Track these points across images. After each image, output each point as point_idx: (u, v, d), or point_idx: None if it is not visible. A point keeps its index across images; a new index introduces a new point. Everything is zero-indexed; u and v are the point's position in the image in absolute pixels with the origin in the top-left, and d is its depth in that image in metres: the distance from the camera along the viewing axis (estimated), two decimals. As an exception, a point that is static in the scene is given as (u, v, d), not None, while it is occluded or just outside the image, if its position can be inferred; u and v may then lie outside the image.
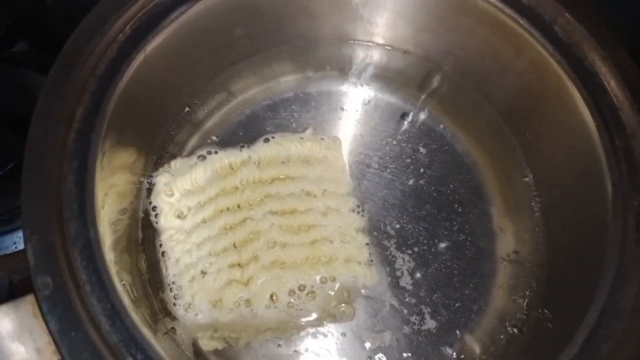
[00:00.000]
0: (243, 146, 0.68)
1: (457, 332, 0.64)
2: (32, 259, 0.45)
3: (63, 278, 0.45)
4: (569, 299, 0.58)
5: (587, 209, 0.59)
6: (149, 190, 0.66)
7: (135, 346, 0.45)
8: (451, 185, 0.69)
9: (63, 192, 0.48)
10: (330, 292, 0.64)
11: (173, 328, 0.61)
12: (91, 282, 0.46)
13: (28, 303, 0.44)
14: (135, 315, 0.47)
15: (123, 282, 0.51)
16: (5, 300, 0.44)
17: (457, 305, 0.65)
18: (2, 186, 0.72)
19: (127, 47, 0.55)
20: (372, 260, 0.66)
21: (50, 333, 0.43)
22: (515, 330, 0.63)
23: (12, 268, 0.73)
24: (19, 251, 0.74)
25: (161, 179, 0.65)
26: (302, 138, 0.69)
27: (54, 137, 0.50)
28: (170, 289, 0.62)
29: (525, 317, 0.63)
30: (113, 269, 0.49)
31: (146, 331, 0.47)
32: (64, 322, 0.44)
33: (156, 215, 0.65)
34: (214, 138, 0.71)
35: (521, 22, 0.61)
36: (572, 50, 0.59)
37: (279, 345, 0.62)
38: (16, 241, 0.74)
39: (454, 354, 0.63)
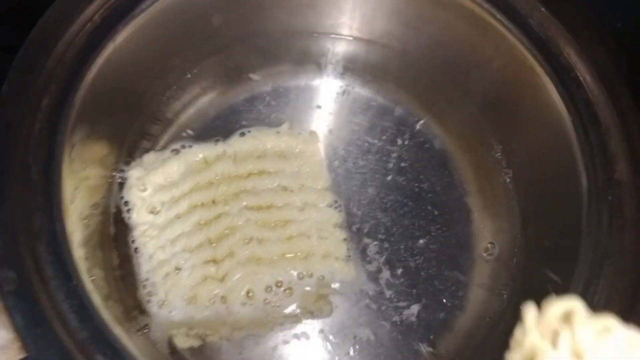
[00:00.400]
0: (218, 140, 0.67)
1: (435, 327, 0.63)
2: (-5, 252, 0.43)
3: (28, 273, 0.43)
4: (545, 293, 0.58)
5: (564, 202, 0.59)
6: (121, 185, 0.64)
7: (106, 343, 0.44)
8: (429, 181, 0.69)
9: (27, 183, 0.47)
10: (307, 288, 0.63)
11: (147, 325, 0.59)
12: (58, 277, 0.45)
13: (-9, 299, 0.42)
14: (107, 312, 0.45)
15: (93, 277, 0.50)
16: None
17: (435, 300, 0.64)
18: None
19: (96, 36, 0.53)
20: (349, 256, 0.65)
21: (16, 329, 0.41)
22: (494, 325, 0.63)
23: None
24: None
25: (134, 173, 0.63)
26: (278, 132, 0.68)
27: (18, 126, 0.48)
28: (144, 286, 0.61)
29: (502, 312, 0.63)
30: (83, 265, 0.47)
31: (118, 328, 0.45)
32: (30, 317, 0.42)
33: (128, 211, 0.63)
34: (189, 132, 0.69)
35: (498, 16, 0.60)
36: (548, 45, 0.59)
37: (257, 342, 0.62)
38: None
39: (432, 349, 0.62)
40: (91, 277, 0.49)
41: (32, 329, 0.42)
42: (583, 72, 0.58)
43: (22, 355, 0.42)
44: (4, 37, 0.69)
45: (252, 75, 0.72)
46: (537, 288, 0.61)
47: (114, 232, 0.63)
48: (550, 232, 0.62)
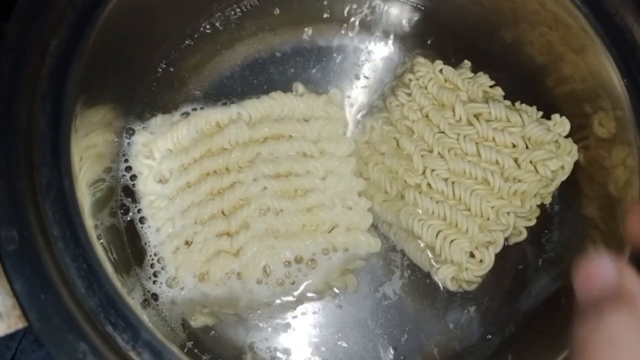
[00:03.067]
0: (232, 102, 0.62)
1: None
2: (-5, 208, 0.38)
3: (31, 232, 0.39)
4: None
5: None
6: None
7: (116, 312, 0.40)
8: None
9: (34, 135, 0.42)
10: (330, 263, 0.58)
11: (156, 300, 0.55)
12: (64, 237, 0.40)
13: (-11, 260, 0.37)
14: (117, 279, 0.41)
15: (102, 241, 0.45)
16: None
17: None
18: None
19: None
20: (376, 227, 0.61)
21: (16, 295, 0.37)
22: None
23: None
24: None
25: (139, 139, 0.59)
26: (297, 93, 0.63)
27: (23, 72, 0.43)
28: (152, 263, 0.56)
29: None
30: (91, 226, 0.42)
31: (129, 296, 0.41)
32: (32, 283, 0.38)
33: (134, 179, 0.59)
34: (198, 93, 0.64)
35: (546, -30, 0.56)
36: (601, 3, 0.55)
37: (275, 319, 0.58)
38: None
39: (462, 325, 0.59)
40: (99, 240, 0.44)
41: (34, 296, 0.38)
42: (640, 35, 0.53)
43: (22, 325, 0.38)
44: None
45: (269, 35, 0.67)
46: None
47: (122, 201, 0.59)
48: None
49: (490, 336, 0.60)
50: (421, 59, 0.62)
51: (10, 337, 0.64)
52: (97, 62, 0.49)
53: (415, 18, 0.69)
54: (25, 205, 0.40)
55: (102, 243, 0.46)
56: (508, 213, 0.58)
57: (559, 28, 0.58)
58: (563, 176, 0.59)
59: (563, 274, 0.59)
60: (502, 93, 0.62)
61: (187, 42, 0.65)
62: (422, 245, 0.59)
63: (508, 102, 0.61)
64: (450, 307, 0.61)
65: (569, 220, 0.62)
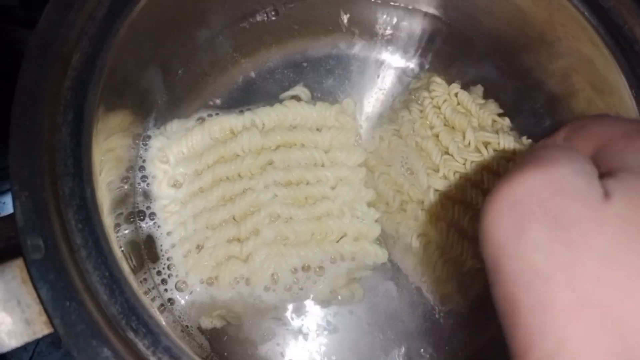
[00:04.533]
0: (248, 109, 0.63)
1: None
2: (21, 217, 0.39)
3: (56, 241, 0.40)
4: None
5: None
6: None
7: (137, 319, 0.40)
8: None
9: (56, 145, 0.43)
10: (337, 272, 0.59)
11: (171, 304, 0.56)
12: (87, 246, 0.41)
13: (16, 268, 0.39)
14: (137, 285, 0.42)
15: (122, 249, 0.46)
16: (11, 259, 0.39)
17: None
18: (-19, 150, 0.67)
19: (128, -10, 0.50)
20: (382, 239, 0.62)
21: (41, 302, 0.38)
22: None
23: (-7, 235, 0.69)
24: (2, 217, 0.69)
25: (155, 143, 0.60)
26: (310, 101, 0.64)
27: (47, 83, 0.44)
28: (163, 266, 0.57)
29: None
30: (112, 234, 0.44)
31: (148, 302, 0.42)
32: (57, 290, 0.39)
33: (148, 184, 0.60)
34: (216, 101, 0.66)
35: (555, -17, 0.56)
36: (610, 15, 0.55)
37: (283, 323, 0.59)
38: (-1, 207, 0.70)
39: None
40: (120, 247, 0.45)
41: (59, 303, 0.39)
42: (648, 45, 0.54)
43: (48, 331, 0.39)
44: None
45: (286, 44, 0.68)
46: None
47: (139, 204, 0.60)
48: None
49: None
50: (438, 79, 0.63)
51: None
52: (117, 72, 0.50)
53: (430, 31, 0.70)
54: (50, 214, 0.40)
55: (122, 250, 0.46)
56: None
57: (568, 39, 0.59)
58: None
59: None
60: (510, 124, 0.62)
61: (202, 52, 0.66)
62: (416, 260, 0.60)
63: (514, 133, 0.62)
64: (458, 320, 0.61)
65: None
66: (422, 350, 0.59)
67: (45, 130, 0.43)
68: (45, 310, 0.38)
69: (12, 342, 0.37)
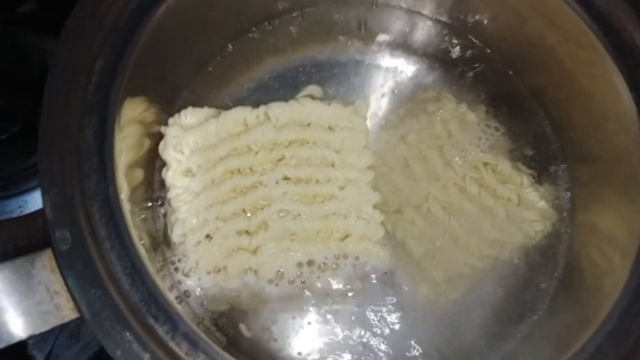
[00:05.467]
0: (261, 104, 0.64)
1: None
2: (50, 211, 0.43)
3: (82, 233, 0.43)
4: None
5: (619, 188, 0.57)
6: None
7: (157, 307, 0.43)
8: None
9: (82, 145, 0.46)
10: (340, 269, 0.61)
11: (187, 292, 0.59)
12: (110, 239, 0.44)
13: (45, 258, 0.42)
14: (157, 275, 0.45)
15: (143, 241, 0.49)
16: (21, 254, 0.42)
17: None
18: (5, 150, 0.71)
19: (150, -1, 0.53)
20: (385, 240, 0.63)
21: (69, 289, 0.41)
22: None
23: (17, 232, 0.72)
24: (25, 215, 0.72)
25: (171, 131, 0.60)
26: (324, 100, 0.65)
27: (73, 88, 0.47)
28: (175, 253, 0.60)
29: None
30: (132, 226, 0.46)
31: (167, 292, 0.45)
32: (83, 278, 0.42)
33: (163, 169, 0.62)
34: (230, 104, 0.67)
35: (555, -11, 0.58)
36: (610, 20, 0.56)
37: (287, 315, 0.61)
38: (22, 205, 0.73)
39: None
40: (141, 240, 0.48)
41: (85, 290, 0.42)
42: (648, 50, 0.55)
43: (75, 315, 0.42)
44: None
45: (301, 46, 0.70)
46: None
47: (157, 195, 0.63)
48: (604, 216, 0.61)
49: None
50: (449, 95, 0.67)
51: (48, 332, 0.69)
52: (139, 74, 0.53)
53: (437, 37, 0.72)
54: (77, 209, 0.44)
55: (142, 242, 0.49)
56: (487, 256, 0.62)
57: (569, 44, 0.61)
58: (542, 237, 0.63)
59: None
60: (509, 147, 0.66)
61: (217, 55, 0.68)
62: (408, 260, 0.63)
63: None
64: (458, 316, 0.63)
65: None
66: (412, 346, 0.61)
67: (71, 132, 0.46)
68: (72, 297, 0.41)
69: (43, 326, 0.40)
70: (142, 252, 0.46)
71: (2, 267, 0.41)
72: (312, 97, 0.66)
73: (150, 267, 0.45)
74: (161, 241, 0.61)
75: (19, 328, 0.40)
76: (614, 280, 0.52)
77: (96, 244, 0.44)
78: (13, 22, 0.76)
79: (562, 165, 0.68)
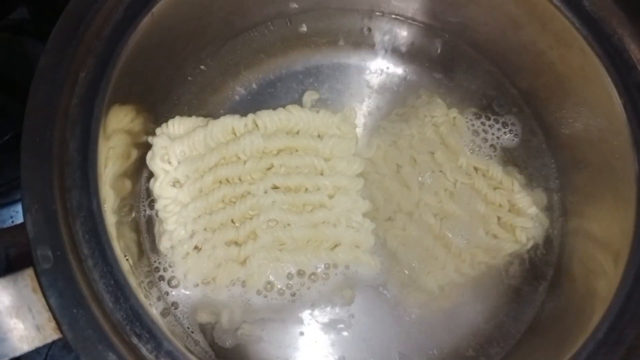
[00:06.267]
0: (250, 112, 0.63)
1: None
2: (32, 229, 0.42)
3: (64, 251, 0.43)
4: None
5: (611, 192, 0.57)
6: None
7: (140, 324, 0.43)
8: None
9: (65, 159, 0.46)
10: (330, 278, 0.61)
11: (173, 304, 0.58)
12: (93, 256, 0.44)
13: (27, 277, 0.41)
14: (140, 291, 0.44)
15: (127, 257, 0.49)
16: (2, 274, 0.41)
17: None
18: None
19: (134, 8, 0.52)
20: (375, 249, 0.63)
21: (51, 309, 0.41)
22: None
23: (9, 242, 0.71)
24: (17, 225, 0.72)
25: (159, 142, 0.60)
26: (313, 108, 0.65)
27: (56, 101, 0.47)
28: (164, 266, 0.60)
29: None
30: (117, 240, 0.46)
31: (151, 309, 0.44)
32: (66, 297, 0.42)
33: (151, 180, 0.61)
34: (220, 111, 0.68)
35: (546, -6, 0.57)
36: (600, 25, 0.56)
37: (277, 326, 0.61)
38: (13, 215, 0.72)
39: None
40: (125, 257, 0.48)
41: (67, 309, 0.41)
42: (637, 54, 0.55)
43: (57, 336, 0.41)
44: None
45: (286, 54, 0.70)
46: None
47: (143, 206, 0.63)
48: (594, 222, 0.61)
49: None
50: (439, 100, 0.66)
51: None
52: (123, 85, 0.53)
53: (428, 42, 0.71)
54: (59, 225, 0.43)
55: (127, 259, 0.49)
56: (479, 263, 0.61)
57: (560, 48, 0.61)
58: (533, 243, 0.63)
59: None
60: (500, 152, 0.67)
61: (204, 64, 0.68)
62: (399, 267, 0.62)
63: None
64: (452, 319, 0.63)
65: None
66: (404, 354, 0.61)
67: (54, 145, 0.46)
68: (54, 317, 0.41)
69: (24, 347, 0.40)
70: (126, 267, 0.45)
71: (-18, 287, 0.40)
72: (300, 104, 0.65)
73: (135, 283, 0.45)
74: (148, 251, 0.61)
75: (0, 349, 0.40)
76: (607, 285, 0.52)
77: (79, 261, 0.43)
78: (7, 27, 0.76)
79: (553, 170, 0.67)
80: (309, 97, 0.67)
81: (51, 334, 0.40)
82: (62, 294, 0.41)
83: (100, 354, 0.40)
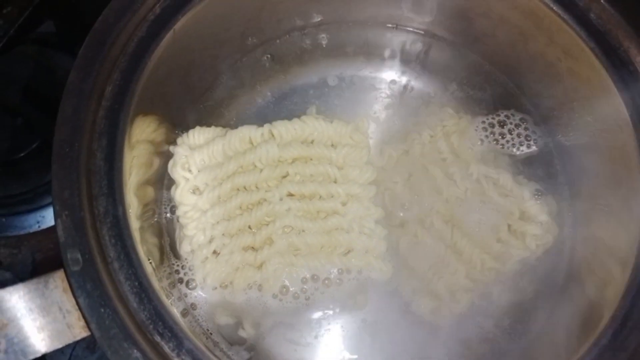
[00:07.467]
0: (266, 123, 0.65)
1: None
2: (62, 234, 0.45)
3: (92, 254, 0.45)
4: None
5: (618, 200, 0.58)
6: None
7: (163, 324, 0.45)
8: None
9: (92, 169, 0.48)
10: (344, 283, 0.63)
11: (193, 304, 0.61)
12: (119, 259, 0.46)
13: (58, 278, 0.44)
14: (163, 293, 0.47)
15: (150, 261, 0.51)
16: (28, 277, 0.44)
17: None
18: (26, 165, 0.73)
19: (156, 25, 0.55)
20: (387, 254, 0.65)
21: (80, 308, 0.43)
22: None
23: (35, 246, 0.75)
24: (43, 230, 0.74)
25: (180, 151, 0.63)
26: (327, 118, 0.67)
27: (84, 113, 0.50)
28: (185, 270, 0.62)
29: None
30: (140, 244, 0.49)
31: (173, 309, 0.47)
32: (93, 298, 0.44)
33: (172, 187, 0.64)
34: (238, 121, 0.70)
35: (555, 8, 0.59)
36: (606, 37, 0.58)
37: (292, 329, 0.63)
38: (39, 220, 0.74)
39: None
40: (148, 260, 0.50)
41: (95, 309, 0.44)
42: (643, 66, 0.56)
43: (85, 334, 0.44)
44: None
45: (302, 66, 0.72)
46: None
47: (165, 212, 0.65)
48: (602, 232, 0.62)
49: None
50: (450, 110, 0.68)
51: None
52: (146, 99, 0.55)
53: (438, 53, 0.73)
54: (87, 230, 0.46)
55: (150, 262, 0.51)
56: (490, 269, 0.63)
57: (568, 60, 0.62)
58: (543, 250, 0.64)
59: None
60: (510, 160, 0.68)
61: (223, 76, 0.71)
62: (411, 274, 0.64)
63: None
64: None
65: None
66: (411, 356, 0.62)
67: (82, 155, 0.49)
68: (83, 316, 0.43)
69: (55, 343, 0.42)
70: (149, 270, 0.48)
71: (18, 288, 0.43)
72: (315, 115, 0.68)
73: (157, 285, 0.47)
74: (169, 254, 0.63)
75: (34, 346, 0.43)
76: (614, 292, 0.53)
77: (105, 264, 0.46)
78: (34, 40, 0.79)
79: (562, 178, 0.68)
80: (311, 112, 0.69)
81: (80, 332, 0.43)
82: (90, 295, 0.44)
83: (126, 352, 0.43)
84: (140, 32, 0.54)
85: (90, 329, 0.43)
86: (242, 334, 0.61)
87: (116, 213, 0.48)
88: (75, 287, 0.44)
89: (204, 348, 0.46)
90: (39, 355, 0.42)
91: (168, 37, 0.55)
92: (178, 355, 0.45)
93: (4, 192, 0.74)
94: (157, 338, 0.45)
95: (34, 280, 0.44)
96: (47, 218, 0.75)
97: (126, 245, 0.47)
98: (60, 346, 0.43)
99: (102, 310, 0.44)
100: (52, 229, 0.75)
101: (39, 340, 0.43)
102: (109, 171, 0.49)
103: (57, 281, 0.44)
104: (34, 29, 0.79)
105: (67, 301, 0.44)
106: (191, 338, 0.46)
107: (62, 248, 0.44)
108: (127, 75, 0.52)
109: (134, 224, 0.51)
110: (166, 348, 0.45)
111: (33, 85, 0.77)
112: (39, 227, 0.74)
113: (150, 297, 0.46)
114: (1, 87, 0.76)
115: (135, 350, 0.43)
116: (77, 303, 0.44)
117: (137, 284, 0.46)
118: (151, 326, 0.45)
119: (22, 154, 0.74)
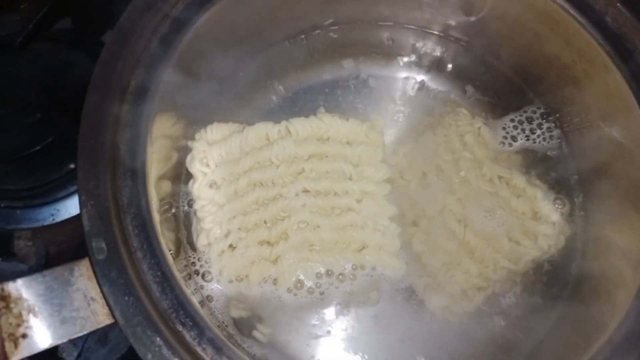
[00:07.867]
0: (283, 119, 0.66)
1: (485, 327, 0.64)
2: (87, 223, 0.46)
3: (116, 244, 0.46)
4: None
5: (631, 202, 0.59)
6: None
7: (184, 313, 0.46)
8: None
9: (117, 161, 0.49)
10: (357, 279, 0.63)
11: (209, 296, 0.62)
12: (142, 249, 0.47)
13: (83, 267, 0.45)
14: (184, 283, 0.48)
15: (171, 252, 0.52)
16: (40, 269, 0.45)
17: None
18: (41, 159, 0.74)
19: (178, 22, 0.56)
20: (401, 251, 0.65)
21: (104, 296, 0.44)
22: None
23: (49, 239, 0.76)
24: (57, 223, 0.75)
25: (198, 146, 0.64)
26: (342, 116, 0.67)
27: (109, 106, 0.51)
28: (201, 263, 0.63)
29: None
30: (161, 236, 0.50)
31: (193, 299, 0.47)
32: (117, 286, 0.45)
33: (190, 181, 0.65)
34: (255, 117, 0.70)
35: (571, 11, 0.60)
36: (622, 41, 0.58)
37: (306, 323, 0.63)
38: (53, 213, 0.75)
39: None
40: (169, 250, 0.51)
41: (120, 298, 0.45)
42: (658, 70, 0.57)
43: (110, 321, 0.45)
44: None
45: (318, 66, 0.73)
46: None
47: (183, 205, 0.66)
48: (615, 233, 0.63)
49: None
50: (464, 110, 0.69)
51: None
52: (167, 95, 0.56)
53: (454, 55, 0.74)
54: (111, 220, 0.47)
55: (171, 253, 0.52)
56: (502, 268, 0.63)
57: (583, 62, 0.63)
58: (555, 250, 0.65)
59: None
60: (523, 161, 0.69)
61: (240, 73, 0.72)
62: (423, 271, 0.64)
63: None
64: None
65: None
66: (427, 355, 0.63)
67: (107, 148, 0.50)
68: (107, 304, 0.44)
69: (81, 330, 0.43)
70: (171, 260, 0.49)
71: (44, 274, 0.44)
72: (331, 113, 0.68)
73: (178, 275, 0.48)
74: (186, 246, 0.64)
75: (59, 332, 0.44)
76: (625, 293, 0.54)
77: (129, 253, 0.47)
78: (51, 38, 0.79)
79: (575, 180, 0.69)
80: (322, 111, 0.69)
81: (104, 319, 0.44)
82: (114, 283, 0.45)
83: (149, 339, 0.44)
84: (163, 29, 0.55)
85: (114, 316, 0.44)
86: (257, 335, 0.62)
87: (139, 204, 0.49)
88: (99, 276, 0.45)
89: (223, 338, 0.46)
90: (65, 340, 0.43)
91: (190, 33, 0.56)
92: (199, 344, 0.46)
93: (20, 185, 0.74)
94: (179, 327, 0.46)
95: (59, 268, 0.45)
96: (61, 211, 0.76)
97: (149, 235, 0.48)
98: (85, 332, 0.44)
99: (126, 298, 0.45)
100: (66, 222, 0.76)
101: (64, 326, 0.43)
102: (133, 163, 0.50)
103: (82, 269, 0.45)
104: (52, 25, 0.80)
105: (92, 289, 0.45)
106: (212, 328, 0.47)
107: (87, 237, 0.45)
108: (150, 70, 0.54)
109: (155, 217, 0.51)
110: (187, 337, 0.46)
111: (49, 81, 0.78)
112: (53, 220, 0.75)
113: (172, 286, 0.47)
114: (17, 83, 0.76)
115: (157, 338, 0.44)
116: (102, 291, 0.45)
117: (159, 273, 0.47)
118: (173, 315, 0.46)
119: (37, 148, 0.75)
